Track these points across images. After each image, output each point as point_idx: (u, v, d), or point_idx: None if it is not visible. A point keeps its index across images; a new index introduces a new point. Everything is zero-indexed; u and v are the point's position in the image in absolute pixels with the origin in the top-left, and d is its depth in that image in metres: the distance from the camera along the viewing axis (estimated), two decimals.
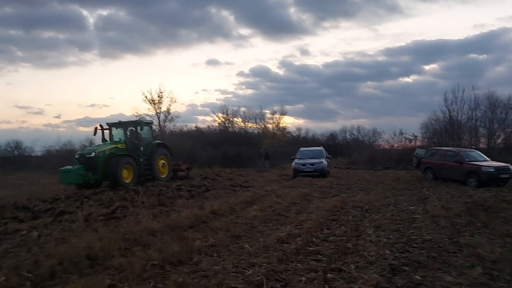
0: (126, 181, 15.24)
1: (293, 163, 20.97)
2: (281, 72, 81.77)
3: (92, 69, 74.88)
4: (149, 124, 18.86)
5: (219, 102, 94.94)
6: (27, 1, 66.53)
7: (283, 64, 80.00)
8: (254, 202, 10.53)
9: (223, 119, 42.31)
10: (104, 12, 75.75)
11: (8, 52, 68.61)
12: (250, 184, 15.74)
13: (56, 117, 76.84)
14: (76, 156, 15.93)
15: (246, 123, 42.94)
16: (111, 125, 17.54)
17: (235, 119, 42.69)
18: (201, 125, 44.29)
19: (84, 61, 73.77)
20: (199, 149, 32.19)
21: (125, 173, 15.45)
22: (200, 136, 36.72)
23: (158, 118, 39.50)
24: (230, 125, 42.47)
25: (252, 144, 35.16)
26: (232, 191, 13.14)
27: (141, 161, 16.60)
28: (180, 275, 4.57)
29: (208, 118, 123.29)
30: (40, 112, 71.16)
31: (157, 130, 38.56)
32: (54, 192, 13.80)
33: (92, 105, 71.07)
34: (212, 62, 78.80)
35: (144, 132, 17.61)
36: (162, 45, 78.29)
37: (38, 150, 38.94)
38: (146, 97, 38.89)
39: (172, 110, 39.39)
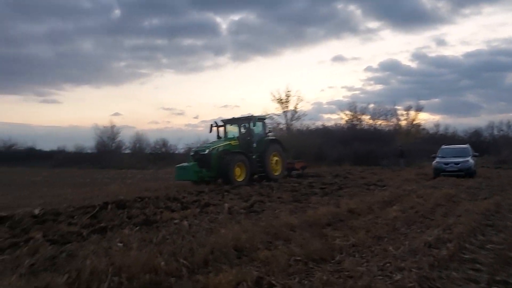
0: (238, 179, 15.00)
1: (434, 161, 19.33)
2: (413, 65, 76.28)
3: (225, 72, 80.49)
4: (262, 119, 18.18)
5: (345, 99, 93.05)
6: (171, 12, 74.49)
7: (416, 56, 74.44)
8: (393, 202, 9.89)
9: (350, 117, 41.19)
10: (236, 17, 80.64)
11: (155, 59, 78.19)
12: (385, 183, 14.90)
13: (194, 117, 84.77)
14: (191, 153, 16.12)
15: (376, 120, 40.99)
16: (226, 122, 17.47)
17: (364, 116, 41.12)
18: (327, 123, 43.71)
19: (218, 64, 79.75)
20: (327, 147, 31.87)
21: (237, 171, 15.20)
22: (328, 134, 36.33)
23: (285, 116, 40.39)
24: (358, 122, 41.13)
25: (383, 141, 33.50)
26: (366, 190, 12.60)
27: (253, 158, 16.22)
28: (324, 273, 4.45)
29: (334, 116, 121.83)
30: (181, 113, 79.17)
31: (284, 128, 39.58)
32: (193, 186, 14.41)
33: (225, 106, 76.47)
34: (338, 59, 77.54)
35: (257, 128, 17.19)
36: (289, 45, 79.97)
37: (181, 147, 43.35)
38: (274, 96, 40.17)
39: (298, 108, 39.89)
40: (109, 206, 9.00)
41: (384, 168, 24.77)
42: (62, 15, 74.24)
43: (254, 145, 16.64)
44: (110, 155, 44.48)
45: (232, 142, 16.19)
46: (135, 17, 74.56)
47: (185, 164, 15.59)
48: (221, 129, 17.46)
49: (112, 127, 48.17)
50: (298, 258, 4.76)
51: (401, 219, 7.84)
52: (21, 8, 70.41)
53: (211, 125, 17.29)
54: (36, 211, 8.14)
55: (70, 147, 50.25)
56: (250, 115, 17.30)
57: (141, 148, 47.35)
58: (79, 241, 5.65)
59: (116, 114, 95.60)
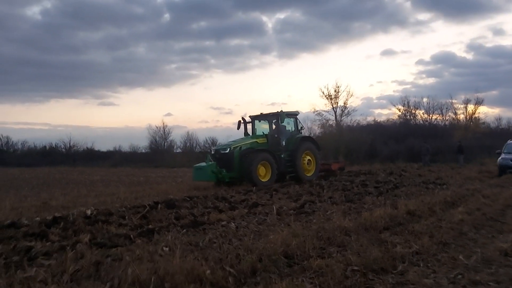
0: (263, 180, 13.99)
1: (500, 158, 17.76)
2: (468, 56, 71.94)
3: (271, 70, 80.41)
4: (293, 115, 16.69)
5: (396, 94, 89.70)
6: (218, 14, 75.62)
7: (471, 47, 70.21)
8: (456, 203, 9.07)
9: (403, 111, 39.45)
10: (282, 16, 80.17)
11: (204, 60, 79.81)
12: (445, 181, 13.88)
13: (243, 115, 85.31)
14: (212, 152, 15.20)
15: (431, 115, 38.94)
16: (254, 118, 16.43)
17: (418, 110, 39.20)
18: (379, 118, 42.12)
19: (264, 63, 79.80)
20: (379, 143, 30.69)
21: (261, 170, 14.20)
22: (379, 130, 34.98)
23: (335, 113, 39.43)
24: (411, 117, 39.31)
25: (439, 137, 31.79)
26: (425, 189, 11.74)
27: (282, 157, 15.09)
28: (386, 285, 3.99)
29: (385, 111, 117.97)
30: (229, 112, 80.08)
31: (333, 124, 38.60)
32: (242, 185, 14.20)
33: (272, 104, 76.54)
34: (387, 52, 74.91)
35: (288, 125, 16.14)
36: (335, 41, 78.40)
37: None
38: (323, 92, 39.32)
39: (348, 104, 38.78)
40: (159, 206, 9.02)
41: (442, 165, 23.32)
42: (117, 22, 77.69)
43: (283, 143, 15.54)
44: (162, 154, 45.89)
45: (259, 140, 15.22)
46: (184, 21, 76.67)
47: (202, 164, 14.68)
48: (250, 126, 16.57)
49: (165, 127, 49.60)
50: (356, 268, 4.30)
51: (468, 222, 7.11)
52: (80, 18, 74.47)
53: (239, 121, 16.33)
54: (89, 212, 8.26)
55: (125, 147, 52.49)
56: (279, 111, 15.95)
57: (192, 147, 48.36)
58: (126, 245, 5.55)
59: (168, 114, 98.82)
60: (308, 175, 15.70)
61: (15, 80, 78.95)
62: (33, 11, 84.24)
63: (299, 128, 16.73)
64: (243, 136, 16.15)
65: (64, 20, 73.82)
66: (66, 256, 4.35)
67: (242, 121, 16.26)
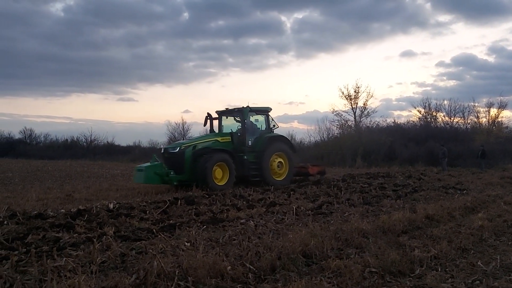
0: (219, 183, 12.53)
1: None
2: (490, 59, 70.33)
3: (289, 69, 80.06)
4: (263, 112, 14.90)
5: (416, 96, 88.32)
6: (236, 13, 75.79)
7: (493, 50, 68.61)
8: (476, 209, 8.97)
9: (424, 114, 38.83)
10: (300, 15, 79.70)
11: (222, 59, 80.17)
12: (465, 187, 13.69)
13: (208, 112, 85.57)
14: (161, 151, 13.69)
15: (452, 118, 38.23)
16: (221, 114, 14.86)
17: (439, 113, 38.54)
18: (398, 120, 41.52)
19: (282, 62, 79.56)
20: (399, 146, 30.31)
21: (218, 172, 12.67)
22: (399, 132, 34.50)
23: (354, 113, 39.12)
24: (432, 120, 38.67)
25: (460, 141, 31.22)
26: (444, 194, 11.61)
27: (245, 159, 13.51)
28: None
29: (404, 113, 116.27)
30: None
31: (352, 125, 38.33)
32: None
33: (290, 103, 76.16)
34: (407, 54, 73.81)
35: (257, 122, 14.60)
36: (353, 41, 77.56)
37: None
38: (342, 92, 39.02)
39: (368, 105, 38.41)
40: (179, 202, 9.24)
41: (462, 170, 22.93)
42: (137, 20, 78.65)
43: (249, 142, 13.86)
44: None
45: (221, 139, 13.62)
46: (203, 20, 77.01)
47: (144, 164, 13.13)
48: (216, 122, 14.95)
49: (184, 123, 50.08)
50: (374, 270, 4.36)
51: (488, 229, 7.03)
52: (102, 15, 75.73)
53: (206, 117, 14.68)
54: (111, 205, 8.53)
55: (144, 142, 53.11)
56: (246, 106, 14.08)
57: None
58: (149, 238, 5.74)
59: (186, 111, 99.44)
60: (278, 179, 14.08)
61: (37, 74, 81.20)
62: (56, 8, 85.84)
63: (271, 126, 14.90)
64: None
65: (85, 17, 75.16)
66: (94, 247, 4.54)
67: (208, 117, 14.73)
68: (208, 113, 14.76)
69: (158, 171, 12.46)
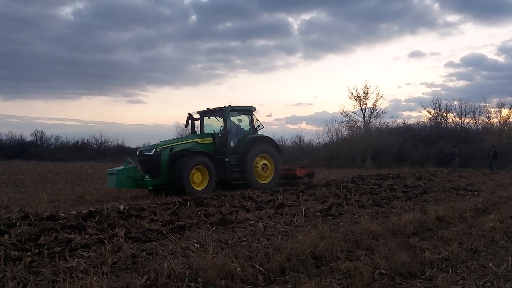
0: (197, 188, 11.81)
1: None
2: (500, 59, 69.69)
3: (297, 70, 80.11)
4: (247, 111, 14.19)
5: (425, 96, 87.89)
6: (243, 15, 76.12)
7: (503, 50, 68.03)
8: (488, 210, 8.88)
9: (434, 114, 38.51)
10: (307, 17, 79.82)
11: (230, 61, 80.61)
12: (476, 188, 13.56)
13: (268, 115, 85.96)
14: (137, 154, 12.91)
15: (462, 118, 37.87)
16: (202, 114, 14.17)
17: (449, 114, 38.20)
18: (408, 121, 41.24)
19: (290, 64, 79.68)
20: (409, 147, 30.11)
21: (196, 176, 11.96)
22: (409, 133, 34.27)
23: (363, 114, 38.95)
24: (442, 120, 38.33)
25: (471, 141, 30.92)
26: (455, 195, 11.51)
27: (227, 161, 12.85)
28: None
29: (414, 114, 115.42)
30: (255, 112, 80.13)
31: (361, 126, 38.15)
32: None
33: (298, 104, 76.37)
34: (416, 54, 73.47)
35: (240, 122, 13.97)
36: (361, 42, 77.48)
37: None
38: (351, 93, 38.87)
39: (377, 106, 38.22)
40: (188, 203, 9.30)
41: (473, 171, 22.70)
42: (145, 23, 79.38)
43: (232, 144, 13.23)
44: None
45: (201, 140, 12.98)
46: (210, 22, 77.54)
47: (117, 168, 12.33)
48: (197, 122, 14.41)
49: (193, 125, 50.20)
50: (384, 271, 4.35)
51: (500, 231, 6.96)
52: (110, 19, 76.73)
53: (187, 117, 14.19)
54: (121, 207, 8.61)
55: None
56: (228, 106, 13.38)
57: None
58: (159, 239, 5.78)
59: (195, 113, 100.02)
60: (263, 182, 13.43)
61: (48, 77, 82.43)
62: (66, 12, 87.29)
63: (256, 126, 14.20)
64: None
65: (95, 21, 76.11)
66: (105, 248, 4.60)
67: (189, 117, 14.22)
68: (189, 113, 14.26)
69: (131, 175, 11.71)
